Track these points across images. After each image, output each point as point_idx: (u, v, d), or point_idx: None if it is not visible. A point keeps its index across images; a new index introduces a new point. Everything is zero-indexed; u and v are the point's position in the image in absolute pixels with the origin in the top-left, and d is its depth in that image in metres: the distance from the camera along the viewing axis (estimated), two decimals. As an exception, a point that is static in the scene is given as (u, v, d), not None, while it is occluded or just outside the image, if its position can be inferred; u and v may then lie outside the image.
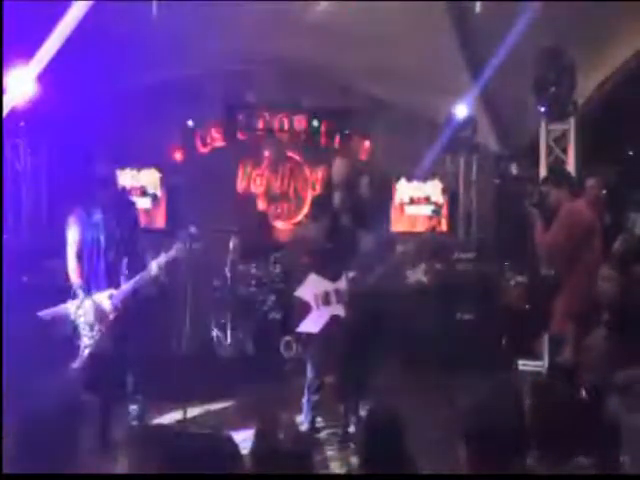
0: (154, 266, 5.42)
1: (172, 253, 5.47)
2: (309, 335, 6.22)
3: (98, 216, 5.37)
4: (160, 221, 8.74)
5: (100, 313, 5.30)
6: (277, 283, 8.38)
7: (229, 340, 8.07)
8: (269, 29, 7.75)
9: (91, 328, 5.29)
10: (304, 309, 6.09)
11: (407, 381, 7.35)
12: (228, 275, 8.27)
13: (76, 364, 5.28)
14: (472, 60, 8.12)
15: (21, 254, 7.20)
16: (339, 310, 5.94)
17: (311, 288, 6.05)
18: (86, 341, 5.29)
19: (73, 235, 5.37)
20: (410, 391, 6.85)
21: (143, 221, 8.41)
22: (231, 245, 8.31)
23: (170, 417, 6.06)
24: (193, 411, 6.01)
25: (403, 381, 7.36)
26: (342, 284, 5.95)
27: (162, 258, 5.44)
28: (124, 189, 8.01)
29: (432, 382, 7.01)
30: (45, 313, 5.36)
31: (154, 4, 6.42)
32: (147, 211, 8.70)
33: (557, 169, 7.15)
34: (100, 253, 5.38)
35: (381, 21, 7.52)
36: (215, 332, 8.13)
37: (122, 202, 5.74)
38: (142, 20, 6.73)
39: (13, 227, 7.71)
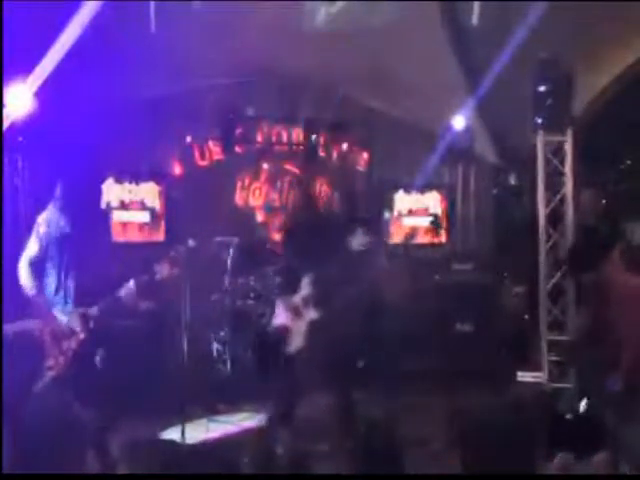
0: (124, 290, 4.84)
1: (147, 278, 4.91)
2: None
3: (69, 227, 4.89)
4: (159, 234, 8.73)
5: (67, 333, 4.69)
6: (276, 295, 8.35)
7: (228, 353, 8.04)
8: (267, 41, 7.78)
9: (58, 349, 4.65)
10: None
11: (404, 393, 7.32)
12: (227, 288, 8.25)
13: (39, 387, 4.59)
14: (469, 71, 8.16)
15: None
16: (312, 314, 5.83)
17: (282, 312, 5.99)
18: (51, 362, 4.63)
19: (36, 242, 4.88)
20: (407, 402, 6.83)
21: (142, 235, 8.46)
22: (229, 258, 8.30)
23: (169, 432, 6.04)
24: (192, 425, 6.00)
25: (400, 393, 7.33)
26: (306, 290, 5.87)
27: (133, 283, 4.85)
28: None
29: (429, 394, 6.98)
30: (9, 327, 4.69)
31: (152, 19, 6.46)
32: (146, 225, 8.70)
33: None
34: (69, 267, 4.85)
35: (379, 33, 7.56)
36: (215, 345, 8.11)
37: (98, 215, 5.44)
38: (140, 35, 6.77)
39: (11, 241, 7.68)
